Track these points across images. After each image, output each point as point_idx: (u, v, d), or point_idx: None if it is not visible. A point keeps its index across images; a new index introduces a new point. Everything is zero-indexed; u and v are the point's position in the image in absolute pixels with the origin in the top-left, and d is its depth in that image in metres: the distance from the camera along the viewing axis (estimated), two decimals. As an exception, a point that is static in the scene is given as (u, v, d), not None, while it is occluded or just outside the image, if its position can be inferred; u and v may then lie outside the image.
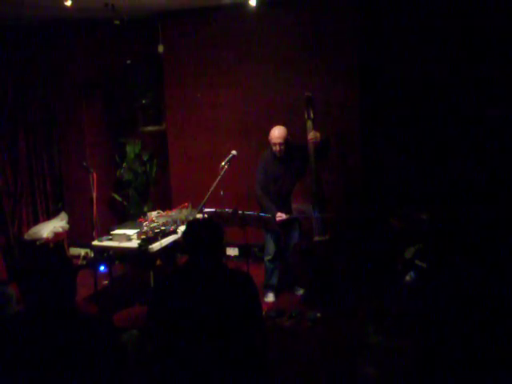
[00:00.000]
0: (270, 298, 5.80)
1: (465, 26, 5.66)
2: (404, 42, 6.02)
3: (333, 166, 6.26)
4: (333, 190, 6.06)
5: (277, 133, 5.56)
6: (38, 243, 6.80)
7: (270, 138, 5.61)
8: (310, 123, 5.53)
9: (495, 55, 5.55)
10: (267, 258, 5.83)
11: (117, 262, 6.98)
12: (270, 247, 5.80)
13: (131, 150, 7.55)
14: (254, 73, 6.61)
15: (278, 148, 5.57)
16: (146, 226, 5.41)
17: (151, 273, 5.25)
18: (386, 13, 6.08)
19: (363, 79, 6.21)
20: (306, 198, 5.49)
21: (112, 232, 5.48)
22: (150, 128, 7.72)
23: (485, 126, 5.66)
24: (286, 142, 5.56)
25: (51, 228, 6.96)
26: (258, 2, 5.80)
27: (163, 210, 6.02)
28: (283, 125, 5.73)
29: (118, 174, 7.64)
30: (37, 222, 7.35)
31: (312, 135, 5.47)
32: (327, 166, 5.99)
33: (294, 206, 5.54)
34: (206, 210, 5.20)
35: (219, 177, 5.24)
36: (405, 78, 6.09)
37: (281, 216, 5.47)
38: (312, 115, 5.54)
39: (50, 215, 7.52)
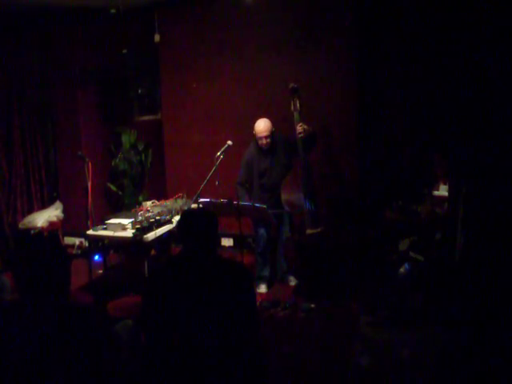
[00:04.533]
0: (263, 289, 5.80)
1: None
2: (404, 37, 6.03)
3: (327, 157, 6.27)
4: (326, 181, 6.07)
5: (262, 126, 5.55)
6: (32, 232, 6.79)
7: (254, 131, 5.60)
8: (296, 115, 5.53)
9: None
10: (258, 250, 5.85)
11: (111, 252, 6.98)
12: (261, 240, 5.80)
13: (126, 139, 7.55)
14: (251, 62, 6.59)
15: (263, 141, 5.56)
16: (141, 215, 5.41)
17: (146, 262, 5.25)
18: (385, 8, 6.08)
19: (361, 72, 6.21)
20: (296, 189, 5.49)
21: (107, 221, 5.48)
22: (145, 117, 7.72)
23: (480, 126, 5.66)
24: (272, 134, 5.56)
25: (46, 217, 6.95)
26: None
27: (158, 200, 6.01)
28: (279, 116, 5.72)
29: (113, 163, 7.63)
30: (31, 210, 7.34)
31: (300, 128, 5.46)
32: (320, 158, 6.00)
33: (284, 197, 5.54)
34: (201, 200, 5.20)
35: (214, 167, 5.24)
36: (403, 74, 6.10)
37: None
38: (298, 107, 5.54)
39: (44, 204, 7.51)
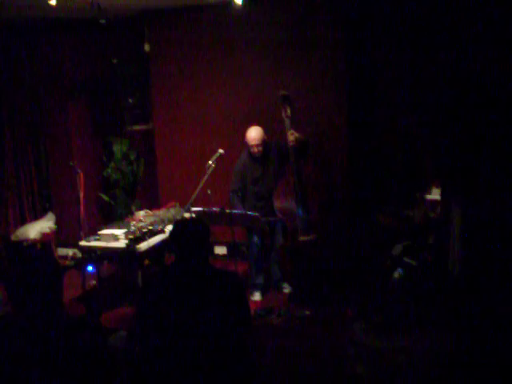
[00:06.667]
0: (257, 296, 5.79)
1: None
2: (393, 44, 6.07)
3: (318, 164, 6.28)
4: (318, 188, 6.08)
5: (253, 134, 5.55)
6: (25, 244, 6.75)
7: (246, 139, 5.60)
8: (287, 122, 5.53)
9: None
10: (251, 258, 5.84)
11: (105, 262, 6.94)
12: (254, 248, 5.79)
13: (118, 149, 7.53)
14: (241, 71, 6.60)
15: (255, 150, 5.56)
16: (134, 225, 5.41)
17: (139, 273, 5.23)
18: (374, 16, 6.12)
19: (351, 78, 6.24)
20: (289, 196, 5.50)
21: (99, 232, 5.47)
22: (137, 127, 7.68)
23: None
24: (264, 142, 5.56)
25: (38, 228, 6.91)
26: (244, 1, 5.80)
27: (151, 210, 6.01)
28: (270, 124, 5.73)
29: (105, 173, 7.61)
30: (24, 222, 7.30)
31: (290, 136, 5.45)
32: (312, 164, 6.01)
33: (277, 205, 5.53)
34: (194, 209, 5.20)
35: (206, 175, 5.24)
36: (392, 79, 6.14)
37: None
38: (289, 114, 5.53)
39: (37, 215, 7.47)
